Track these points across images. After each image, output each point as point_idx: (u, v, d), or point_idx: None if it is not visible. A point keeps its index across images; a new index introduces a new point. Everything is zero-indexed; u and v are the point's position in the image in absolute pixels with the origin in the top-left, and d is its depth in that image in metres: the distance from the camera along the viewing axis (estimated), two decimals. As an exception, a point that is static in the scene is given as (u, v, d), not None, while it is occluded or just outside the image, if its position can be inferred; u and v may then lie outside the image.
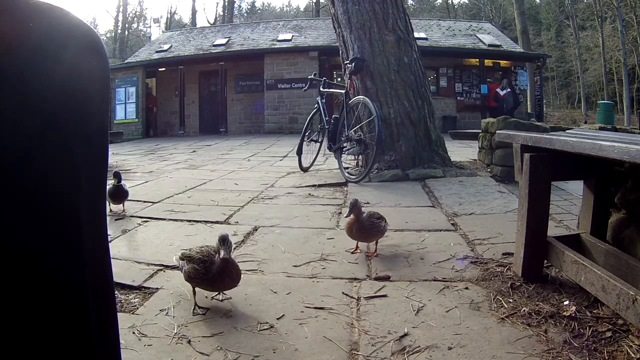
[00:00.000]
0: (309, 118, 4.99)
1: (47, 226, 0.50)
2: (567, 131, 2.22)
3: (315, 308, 1.50)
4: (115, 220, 2.73)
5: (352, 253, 2.09)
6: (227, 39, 15.99)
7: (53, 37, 0.50)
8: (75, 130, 0.53)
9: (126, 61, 17.15)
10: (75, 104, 0.53)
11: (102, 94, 0.58)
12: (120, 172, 3.11)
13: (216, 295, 1.60)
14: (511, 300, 1.53)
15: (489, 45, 14.69)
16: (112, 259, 0.64)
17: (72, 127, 0.52)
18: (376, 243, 2.11)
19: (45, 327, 0.50)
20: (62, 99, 0.51)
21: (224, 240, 1.48)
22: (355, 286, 1.70)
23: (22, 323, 0.48)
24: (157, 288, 1.68)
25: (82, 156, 0.54)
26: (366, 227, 2.00)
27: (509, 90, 12.95)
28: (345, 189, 3.78)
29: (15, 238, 0.47)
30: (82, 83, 0.53)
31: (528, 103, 16.87)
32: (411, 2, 39.07)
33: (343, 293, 1.62)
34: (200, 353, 1.24)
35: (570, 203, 3.16)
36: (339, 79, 11.27)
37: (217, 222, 2.66)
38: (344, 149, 4.36)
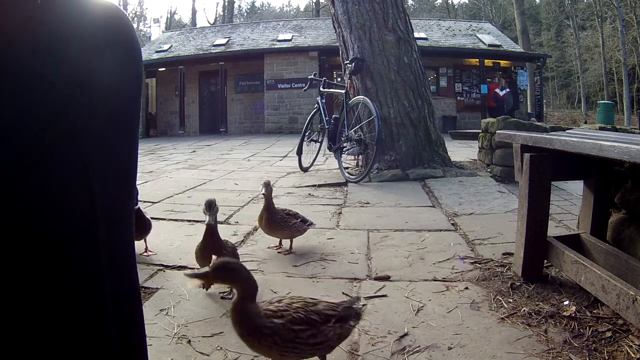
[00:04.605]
0: (309, 118, 4.98)
1: (60, 229, 0.48)
2: (567, 131, 2.22)
3: (315, 308, 1.50)
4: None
5: (278, 251, 2.12)
6: (227, 39, 15.98)
7: (68, 24, 0.45)
8: (91, 135, 0.50)
9: (126, 61, 17.09)
10: (95, 105, 0.49)
11: (130, 94, 0.54)
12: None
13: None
14: (511, 300, 1.53)
15: (489, 45, 14.68)
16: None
17: (85, 129, 0.49)
18: (290, 242, 2.14)
19: (56, 334, 0.48)
20: (86, 93, 0.47)
21: (209, 206, 1.50)
22: (355, 286, 1.70)
23: (31, 328, 0.47)
24: (157, 288, 1.68)
25: (96, 161, 0.51)
26: (276, 221, 2.03)
27: (508, 90, 12.95)
28: (345, 189, 3.78)
29: (25, 235, 0.45)
30: (112, 77, 0.50)
31: (528, 103, 16.87)
32: (411, 2, 39.09)
33: (343, 293, 1.62)
34: (200, 353, 1.24)
35: (570, 203, 3.16)
36: (339, 79, 11.27)
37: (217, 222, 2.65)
38: (344, 149, 4.36)
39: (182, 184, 4.08)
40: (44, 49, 0.43)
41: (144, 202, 3.27)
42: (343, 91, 4.43)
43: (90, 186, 0.51)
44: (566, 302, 1.48)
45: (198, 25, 30.33)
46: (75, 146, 0.48)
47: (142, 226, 2.02)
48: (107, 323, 0.53)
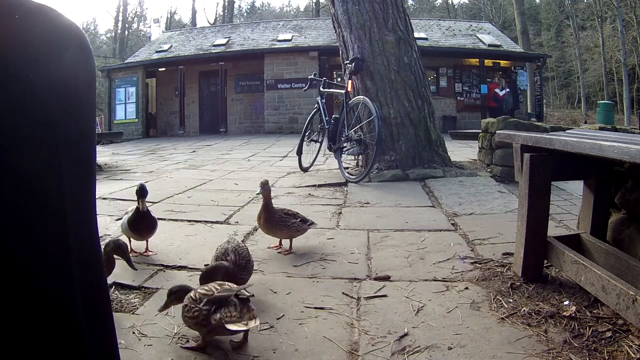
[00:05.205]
0: (309, 118, 4.98)
1: (27, 222, 0.50)
2: (567, 131, 2.22)
3: (315, 308, 1.50)
4: (116, 220, 2.73)
5: (278, 251, 2.12)
6: (227, 39, 15.99)
7: (41, 36, 0.51)
8: (60, 130, 0.53)
9: (126, 61, 17.15)
10: (61, 104, 0.53)
11: (88, 94, 0.58)
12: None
13: None
14: (511, 300, 1.53)
15: (489, 45, 14.69)
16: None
17: (58, 127, 0.52)
18: (290, 241, 2.13)
19: (26, 332, 0.49)
20: (47, 99, 0.51)
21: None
22: (355, 286, 1.70)
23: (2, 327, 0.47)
24: (157, 288, 1.68)
25: (65, 157, 0.54)
26: (274, 221, 2.02)
27: (508, 90, 12.95)
28: (345, 189, 3.78)
29: None
30: (68, 82, 0.54)
31: (528, 103, 16.87)
32: (411, 2, 39.08)
33: (343, 293, 1.62)
34: (200, 353, 1.24)
35: (570, 203, 3.16)
36: (339, 79, 11.27)
37: (217, 222, 2.66)
38: (344, 149, 4.36)
39: (182, 184, 4.08)
40: (22, 55, 0.50)
41: (144, 202, 3.26)
42: (343, 91, 4.43)
43: (61, 177, 0.54)
44: (566, 302, 1.48)
45: (198, 25, 30.36)
46: (49, 138, 0.53)
47: (150, 225, 2.00)
48: (79, 320, 0.54)
